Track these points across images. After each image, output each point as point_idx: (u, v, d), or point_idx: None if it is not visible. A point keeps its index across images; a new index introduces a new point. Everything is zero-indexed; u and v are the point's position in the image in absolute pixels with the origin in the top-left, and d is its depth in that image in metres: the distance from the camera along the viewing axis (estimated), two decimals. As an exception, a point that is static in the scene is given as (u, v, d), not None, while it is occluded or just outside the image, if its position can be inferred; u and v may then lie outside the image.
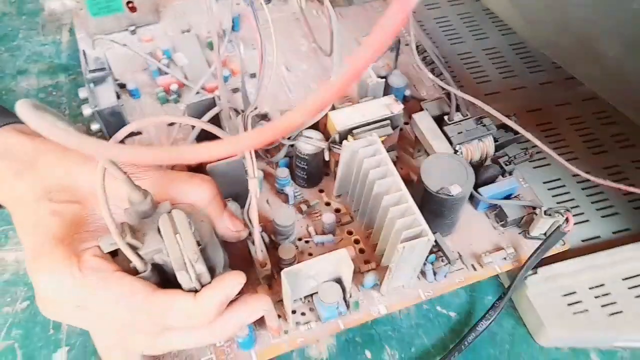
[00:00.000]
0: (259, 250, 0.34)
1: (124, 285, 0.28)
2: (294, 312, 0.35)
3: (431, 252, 0.36)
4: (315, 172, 0.40)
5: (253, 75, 0.47)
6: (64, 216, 0.29)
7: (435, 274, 0.37)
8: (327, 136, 0.39)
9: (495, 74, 0.52)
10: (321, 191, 0.41)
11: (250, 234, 0.34)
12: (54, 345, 0.36)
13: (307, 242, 0.38)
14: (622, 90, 0.32)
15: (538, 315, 0.36)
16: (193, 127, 0.38)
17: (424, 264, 0.36)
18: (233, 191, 0.35)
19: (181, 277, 0.28)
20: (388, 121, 0.39)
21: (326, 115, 0.39)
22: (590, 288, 0.38)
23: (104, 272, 0.28)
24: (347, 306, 0.35)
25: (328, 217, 0.38)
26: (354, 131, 0.38)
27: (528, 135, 0.37)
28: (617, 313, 0.36)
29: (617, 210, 0.43)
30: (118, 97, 0.41)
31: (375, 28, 0.13)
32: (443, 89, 0.41)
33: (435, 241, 0.34)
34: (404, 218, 0.33)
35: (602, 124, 0.48)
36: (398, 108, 0.39)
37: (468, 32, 0.55)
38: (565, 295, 0.37)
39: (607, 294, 0.37)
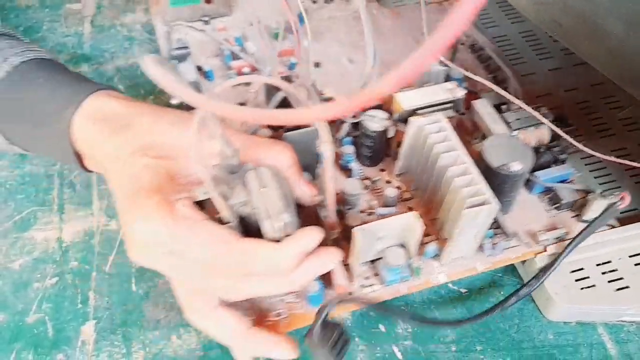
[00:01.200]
0: (331, 212, 0.36)
1: (212, 233, 0.30)
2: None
3: (489, 227, 0.38)
4: (379, 149, 0.42)
5: (317, 65, 0.51)
6: (157, 170, 0.32)
7: (493, 247, 0.39)
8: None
9: (506, 61, 0.53)
10: (382, 170, 0.44)
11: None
12: (82, 318, 0.38)
13: (369, 214, 0.41)
14: (625, 68, 0.33)
15: (546, 291, 0.38)
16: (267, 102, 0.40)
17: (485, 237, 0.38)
18: (303, 161, 0.37)
19: (267, 226, 0.30)
20: (451, 104, 0.41)
21: (390, 96, 0.41)
22: (597, 265, 0.39)
23: (195, 220, 0.30)
24: (410, 272, 0.37)
25: (391, 191, 0.40)
26: (418, 112, 0.40)
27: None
28: (623, 288, 0.38)
29: (624, 191, 0.44)
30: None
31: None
32: (499, 82, 0.42)
33: (494, 218, 0.36)
34: (469, 187, 0.35)
35: (610, 109, 0.50)
36: (461, 92, 0.41)
37: (479, 22, 0.56)
38: (573, 271, 0.39)
39: (614, 270, 0.39)
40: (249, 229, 0.32)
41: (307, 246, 0.31)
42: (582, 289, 0.38)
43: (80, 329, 0.37)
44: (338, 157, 0.43)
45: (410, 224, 0.34)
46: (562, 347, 0.37)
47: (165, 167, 0.32)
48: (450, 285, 0.40)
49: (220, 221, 0.31)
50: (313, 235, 0.31)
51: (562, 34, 0.36)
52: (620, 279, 0.38)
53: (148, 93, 0.52)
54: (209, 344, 0.37)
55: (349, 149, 0.42)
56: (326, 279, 0.35)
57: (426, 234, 0.39)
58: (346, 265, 0.37)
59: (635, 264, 0.39)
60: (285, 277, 0.32)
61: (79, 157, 0.36)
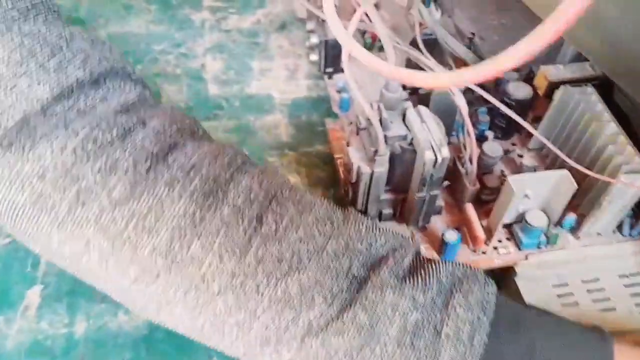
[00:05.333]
0: (474, 168, 0.36)
1: None
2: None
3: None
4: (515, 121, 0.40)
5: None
6: None
7: (631, 228, 0.37)
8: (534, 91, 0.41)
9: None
10: (513, 144, 0.43)
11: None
12: (29, 282, 0.36)
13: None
14: (619, 60, 0.30)
15: (525, 303, 0.35)
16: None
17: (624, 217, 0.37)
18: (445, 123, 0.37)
19: (428, 156, 0.31)
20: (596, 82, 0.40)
21: (530, 71, 0.43)
22: (583, 281, 0.36)
23: None
24: (547, 239, 0.36)
25: (529, 160, 0.40)
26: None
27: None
28: (609, 310, 0.35)
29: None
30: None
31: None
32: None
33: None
34: (623, 156, 0.34)
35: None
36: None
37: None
38: (555, 285, 0.35)
39: (601, 290, 0.35)
40: (397, 167, 0.34)
41: None
42: (563, 305, 0.35)
43: (26, 292, 0.35)
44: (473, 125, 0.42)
45: (563, 182, 0.34)
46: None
47: None
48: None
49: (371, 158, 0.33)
50: None
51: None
52: (607, 299, 0.35)
53: (138, 61, 0.50)
54: (157, 325, 0.34)
55: (484, 118, 0.42)
56: (464, 233, 0.36)
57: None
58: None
59: (625, 285, 0.36)
60: None
61: None
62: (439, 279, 0.27)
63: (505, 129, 0.42)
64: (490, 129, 0.42)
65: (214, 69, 0.50)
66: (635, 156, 0.34)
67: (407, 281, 0.27)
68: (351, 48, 0.21)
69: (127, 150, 0.26)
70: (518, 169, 0.40)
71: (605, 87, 0.40)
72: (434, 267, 0.28)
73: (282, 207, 0.28)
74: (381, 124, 0.33)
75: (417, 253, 0.30)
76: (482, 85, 0.44)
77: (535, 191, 0.34)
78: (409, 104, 0.34)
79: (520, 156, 0.42)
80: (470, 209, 0.36)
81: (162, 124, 0.28)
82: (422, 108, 0.34)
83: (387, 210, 0.37)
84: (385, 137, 0.33)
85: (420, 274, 0.27)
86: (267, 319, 0.25)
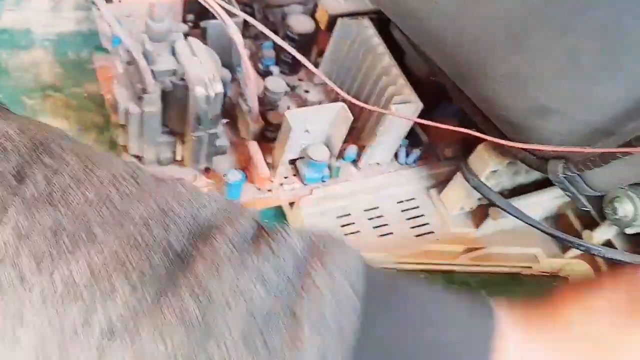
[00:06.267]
0: (254, 104, 0.35)
1: None
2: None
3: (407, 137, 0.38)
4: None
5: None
6: None
7: (407, 155, 0.39)
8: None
9: None
10: (300, 80, 0.42)
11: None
12: None
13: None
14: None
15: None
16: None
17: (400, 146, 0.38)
18: (223, 58, 0.34)
19: (198, 92, 0.29)
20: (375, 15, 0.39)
21: (316, 5, 0.41)
22: (364, 210, 0.37)
23: None
24: (330, 172, 0.36)
25: (314, 95, 0.39)
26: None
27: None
28: (387, 234, 0.37)
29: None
30: None
31: None
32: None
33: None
34: (395, 86, 0.35)
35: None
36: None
37: None
38: (340, 216, 0.36)
39: (380, 216, 0.37)
40: (171, 105, 0.31)
41: None
42: (346, 234, 0.36)
43: None
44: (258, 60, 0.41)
45: (339, 114, 0.34)
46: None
47: None
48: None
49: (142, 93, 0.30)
50: None
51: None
52: (385, 225, 0.37)
53: None
54: None
55: (269, 53, 0.40)
56: (248, 172, 0.35)
57: (345, 142, 0.36)
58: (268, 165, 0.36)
59: (402, 210, 0.38)
60: None
61: None
62: (291, 248, 0.20)
63: (292, 64, 0.41)
64: (276, 64, 0.41)
65: (-49, -3, 0.42)
66: (405, 87, 0.35)
67: (251, 253, 0.19)
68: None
69: None
70: (303, 104, 0.40)
71: (382, 21, 0.41)
72: (283, 233, 0.20)
73: (58, 161, 0.19)
74: (146, 58, 0.29)
75: (258, 221, 0.21)
76: (266, 18, 0.43)
77: (314, 125, 0.34)
78: (179, 35, 0.31)
79: (307, 91, 0.41)
80: (253, 147, 0.35)
81: None
82: (193, 40, 0.31)
83: (166, 154, 0.34)
84: (153, 72, 0.30)
85: (267, 244, 0.19)
86: (40, 324, 0.17)
